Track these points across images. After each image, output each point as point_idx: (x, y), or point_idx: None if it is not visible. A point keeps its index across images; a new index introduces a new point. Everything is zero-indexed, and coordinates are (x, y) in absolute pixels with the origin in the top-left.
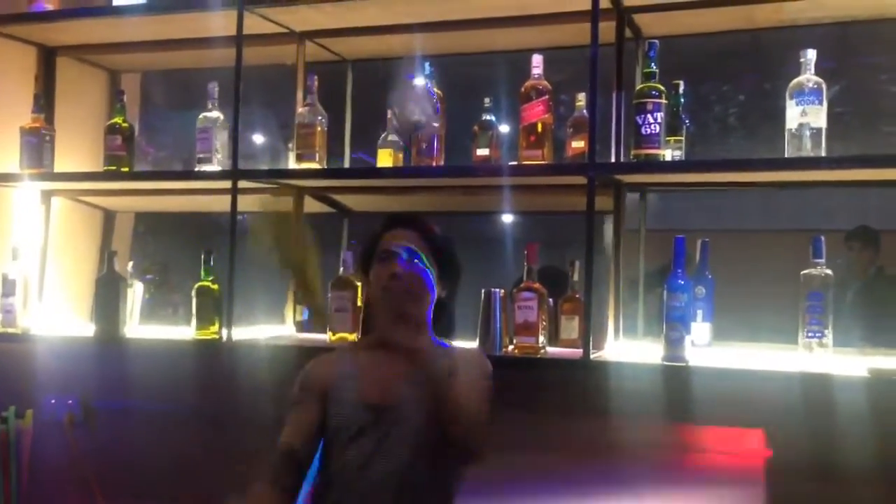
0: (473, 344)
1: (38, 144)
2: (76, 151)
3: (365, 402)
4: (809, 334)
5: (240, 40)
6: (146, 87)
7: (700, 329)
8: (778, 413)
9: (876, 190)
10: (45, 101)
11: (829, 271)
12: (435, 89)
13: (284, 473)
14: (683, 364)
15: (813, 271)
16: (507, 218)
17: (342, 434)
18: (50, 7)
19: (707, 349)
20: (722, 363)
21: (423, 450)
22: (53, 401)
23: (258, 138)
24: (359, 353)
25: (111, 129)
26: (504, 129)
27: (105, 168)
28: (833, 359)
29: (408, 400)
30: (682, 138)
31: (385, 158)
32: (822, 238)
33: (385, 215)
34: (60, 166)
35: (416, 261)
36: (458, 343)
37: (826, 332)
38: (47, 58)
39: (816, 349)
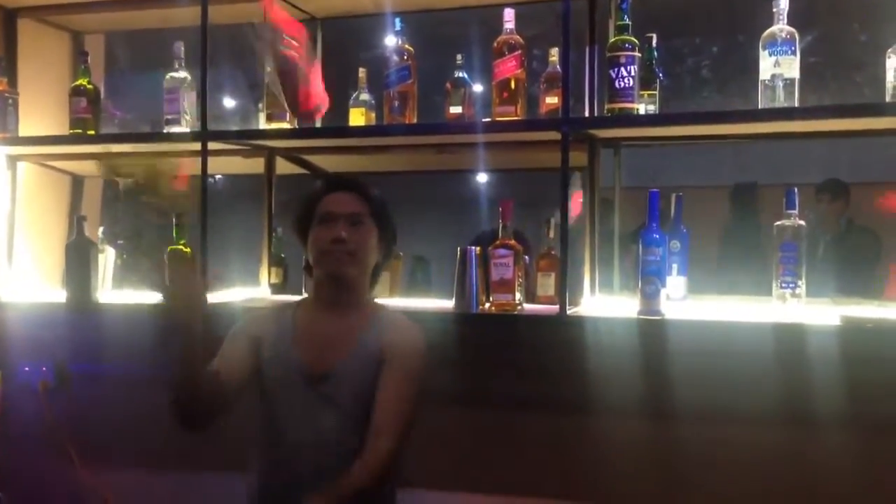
0: (449, 303)
1: (1, 108)
2: (41, 115)
3: (299, 366)
4: (783, 285)
5: None
6: (111, 49)
7: (675, 283)
8: (753, 363)
9: (847, 144)
10: (7, 63)
11: (801, 222)
12: (406, 46)
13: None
14: (659, 317)
15: (786, 222)
16: (483, 177)
17: (275, 392)
18: None
19: (682, 303)
20: (697, 316)
21: (352, 420)
22: (27, 367)
23: (228, 101)
24: (297, 312)
25: (76, 92)
26: (478, 88)
27: (71, 131)
28: (806, 309)
29: (342, 370)
30: (656, 92)
31: (357, 118)
32: (796, 189)
33: (322, 177)
34: (25, 130)
35: (358, 225)
36: (423, 303)
37: (799, 282)
38: (8, 19)
39: (790, 300)
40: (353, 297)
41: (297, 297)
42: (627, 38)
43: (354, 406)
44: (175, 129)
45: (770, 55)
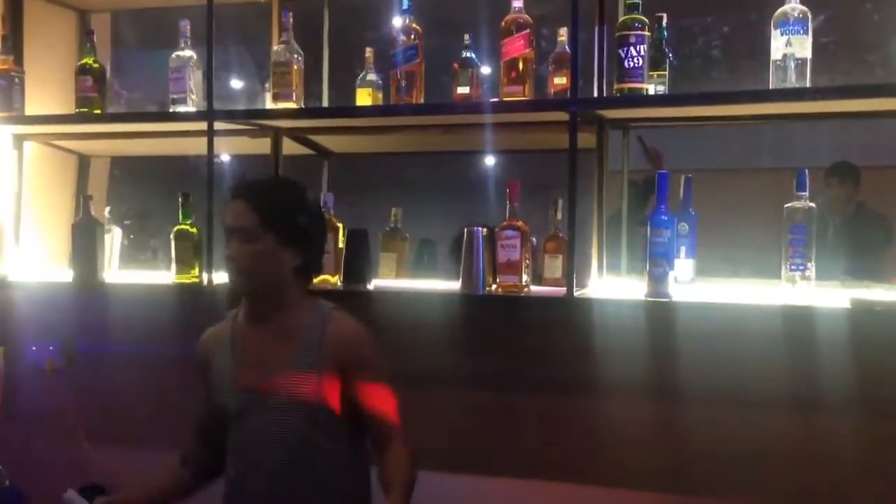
0: (456, 285)
1: (7, 87)
2: (47, 94)
3: (240, 388)
4: (792, 267)
5: None
6: (117, 27)
7: (683, 265)
8: (762, 346)
9: (858, 127)
10: (13, 42)
11: (812, 204)
12: (413, 25)
13: (195, 448)
14: (667, 300)
15: (796, 204)
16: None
17: (223, 414)
18: None
19: (690, 285)
20: (705, 298)
21: (302, 430)
22: (34, 347)
23: (235, 83)
24: (236, 327)
25: (82, 70)
26: (486, 70)
27: (77, 110)
28: (816, 291)
29: (279, 385)
30: (666, 73)
31: (364, 98)
32: (806, 171)
33: (230, 184)
34: (31, 109)
35: (252, 241)
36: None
37: (809, 265)
38: None
39: (799, 282)
40: (268, 307)
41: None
42: (637, 17)
43: (292, 415)
44: (181, 109)
45: (782, 34)
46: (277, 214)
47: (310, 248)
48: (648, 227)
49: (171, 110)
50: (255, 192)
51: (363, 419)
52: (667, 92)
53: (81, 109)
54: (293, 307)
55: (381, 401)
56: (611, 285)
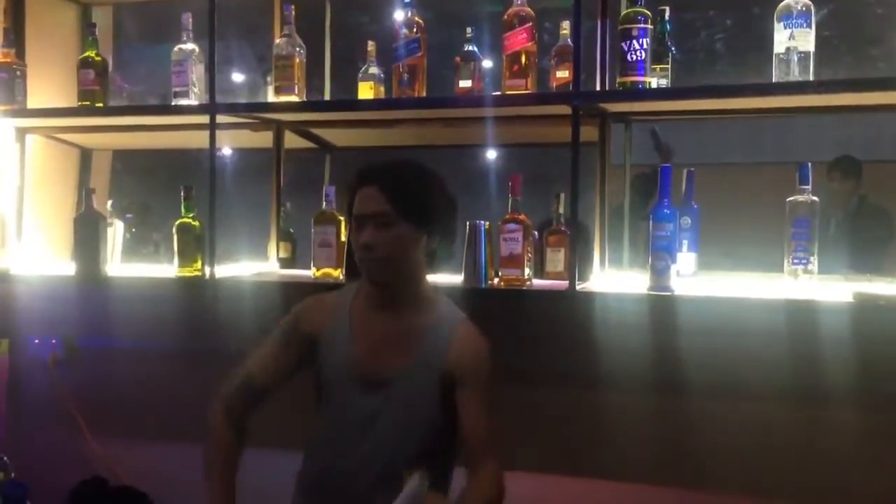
0: (458, 278)
1: (9, 80)
2: (49, 88)
3: (357, 373)
4: (795, 261)
5: None
6: (119, 20)
7: (685, 259)
8: (764, 339)
9: (860, 122)
10: (15, 35)
11: (815, 198)
12: (416, 19)
13: (239, 404)
14: (669, 293)
15: (799, 198)
16: (492, 153)
17: (332, 391)
18: None
19: (692, 279)
20: (707, 292)
21: (413, 430)
22: (37, 340)
23: (237, 76)
24: (354, 305)
25: (84, 64)
26: (488, 64)
27: (79, 103)
28: (818, 285)
29: (399, 378)
30: (669, 66)
31: (366, 91)
32: (809, 164)
33: (357, 168)
34: (33, 103)
35: (389, 226)
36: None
37: (812, 258)
38: None
39: (802, 276)
40: (400, 298)
41: (351, 284)
42: (640, 10)
43: (406, 414)
44: (183, 102)
45: (785, 28)
46: (412, 198)
47: (443, 232)
48: (651, 221)
49: (173, 103)
50: (388, 176)
51: (461, 432)
52: (669, 85)
53: (83, 103)
54: (422, 300)
55: (480, 418)
56: (613, 279)
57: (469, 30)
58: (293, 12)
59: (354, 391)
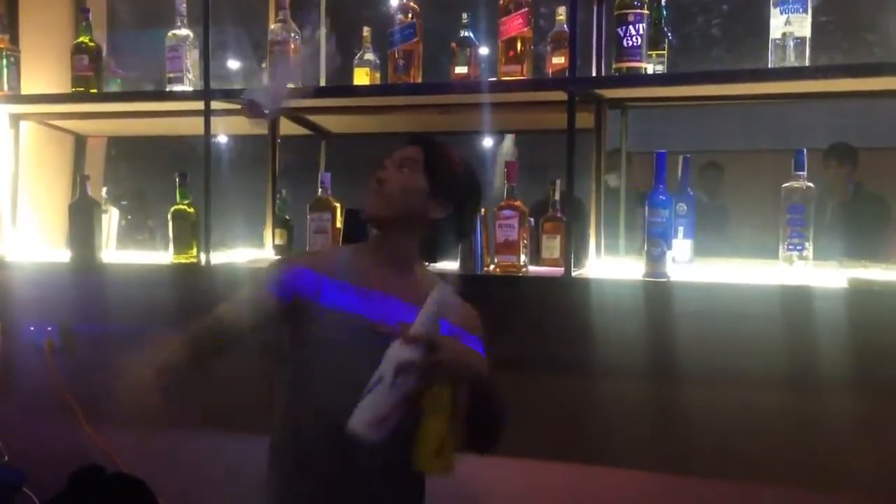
0: (454, 265)
1: (3, 66)
2: (43, 74)
3: (364, 319)
4: (790, 247)
5: None
6: (112, 6)
7: (681, 245)
8: (759, 325)
9: (855, 110)
10: (8, 21)
11: (810, 184)
12: (411, 4)
13: (205, 336)
14: (665, 280)
15: (794, 184)
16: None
17: (326, 350)
18: None
19: (688, 265)
20: (703, 278)
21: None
22: (32, 327)
23: (232, 62)
24: (360, 262)
25: (78, 49)
26: (484, 50)
27: (73, 89)
28: (813, 271)
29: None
30: (665, 52)
31: (361, 77)
32: (805, 151)
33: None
34: (27, 89)
35: (404, 169)
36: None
37: (807, 244)
38: None
39: (797, 262)
40: (398, 251)
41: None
42: None
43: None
44: (178, 88)
45: (781, 13)
46: (441, 162)
47: (456, 208)
48: (646, 207)
49: (167, 89)
50: (433, 144)
51: None
52: (665, 71)
53: (78, 88)
54: (420, 270)
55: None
56: (608, 265)
57: (465, 15)
58: None
59: (364, 336)
